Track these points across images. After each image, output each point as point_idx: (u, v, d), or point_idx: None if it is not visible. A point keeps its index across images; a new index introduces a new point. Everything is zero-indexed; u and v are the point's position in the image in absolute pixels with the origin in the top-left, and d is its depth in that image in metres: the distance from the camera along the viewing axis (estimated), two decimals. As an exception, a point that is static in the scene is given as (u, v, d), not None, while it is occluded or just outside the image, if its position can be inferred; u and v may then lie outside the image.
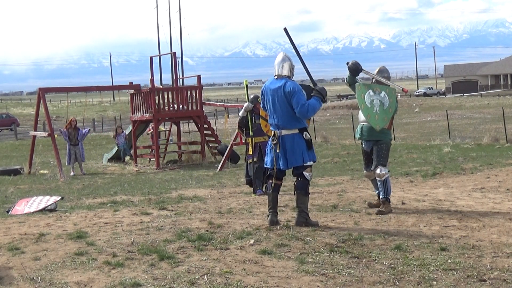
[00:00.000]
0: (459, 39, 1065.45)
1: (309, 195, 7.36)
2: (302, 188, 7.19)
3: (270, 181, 7.33)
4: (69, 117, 20.35)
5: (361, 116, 8.44)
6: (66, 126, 18.99)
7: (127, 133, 22.05)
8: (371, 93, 8.28)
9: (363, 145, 8.54)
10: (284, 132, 7.19)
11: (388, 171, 8.33)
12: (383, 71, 8.52)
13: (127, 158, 21.85)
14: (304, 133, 7.20)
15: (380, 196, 8.25)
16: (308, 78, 7.79)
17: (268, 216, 7.30)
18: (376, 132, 8.25)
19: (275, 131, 7.27)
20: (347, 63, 8.52)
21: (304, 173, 7.18)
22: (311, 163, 7.23)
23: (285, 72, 7.28)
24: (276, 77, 7.32)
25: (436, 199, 8.99)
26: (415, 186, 10.72)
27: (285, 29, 7.76)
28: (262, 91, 7.49)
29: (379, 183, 8.26)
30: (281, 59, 7.36)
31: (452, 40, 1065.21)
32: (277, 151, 7.21)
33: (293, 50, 7.76)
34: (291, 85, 7.14)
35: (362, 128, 8.45)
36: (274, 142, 7.24)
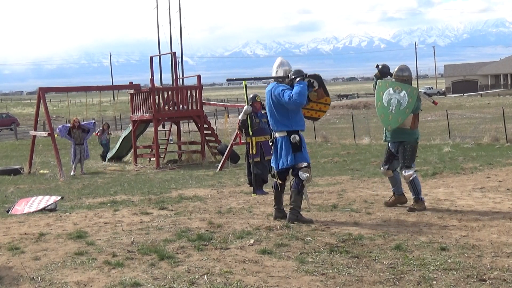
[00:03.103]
0: (459, 39, 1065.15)
1: (303, 194, 7.53)
2: (295, 187, 7.44)
3: (275, 180, 7.68)
4: (70, 117, 20.33)
5: None
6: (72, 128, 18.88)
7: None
8: (391, 91, 8.24)
9: (389, 145, 8.53)
10: (276, 134, 7.53)
11: (415, 171, 8.36)
12: (403, 70, 8.40)
13: (105, 160, 21.84)
14: (292, 135, 7.38)
15: (412, 197, 8.26)
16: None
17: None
18: (401, 133, 8.24)
19: (271, 133, 7.68)
20: (377, 66, 8.50)
21: (299, 172, 7.40)
22: (304, 164, 7.40)
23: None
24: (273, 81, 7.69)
25: (436, 199, 8.99)
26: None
27: (228, 80, 8.83)
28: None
29: (407, 185, 8.28)
30: (278, 65, 7.69)
31: (452, 40, 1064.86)
32: (271, 152, 7.64)
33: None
34: (276, 87, 7.48)
35: (386, 130, 8.45)
36: (271, 143, 7.67)
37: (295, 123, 7.44)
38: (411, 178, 8.19)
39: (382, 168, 8.71)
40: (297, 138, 7.37)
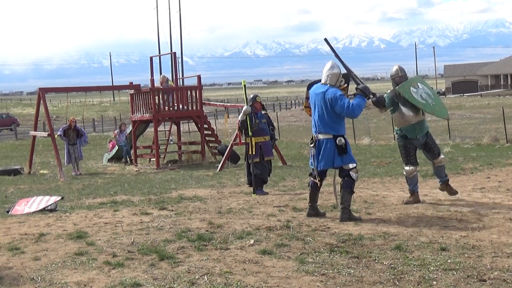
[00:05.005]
0: (459, 39, 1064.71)
1: (353, 193, 7.80)
2: (348, 187, 7.65)
3: (311, 179, 7.91)
4: (69, 117, 20.30)
5: (409, 115, 8.58)
6: (68, 129, 18.94)
7: (127, 132, 22.02)
8: (413, 89, 8.56)
9: (414, 142, 8.76)
10: (320, 136, 7.70)
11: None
12: (401, 69, 8.82)
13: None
14: (338, 138, 7.62)
15: (441, 180, 8.84)
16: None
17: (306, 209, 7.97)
18: (426, 124, 8.73)
19: (313, 135, 7.80)
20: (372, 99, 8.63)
21: (350, 173, 7.65)
22: (353, 165, 7.68)
23: (330, 81, 7.77)
24: (322, 83, 7.86)
25: (436, 199, 9.00)
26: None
27: (326, 40, 8.50)
28: (309, 93, 8.07)
29: (439, 169, 8.87)
30: (329, 68, 7.86)
31: (452, 40, 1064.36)
32: (314, 153, 7.77)
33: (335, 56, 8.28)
34: (333, 92, 7.64)
35: (416, 126, 8.67)
36: (312, 145, 7.80)
37: (342, 127, 7.73)
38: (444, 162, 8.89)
39: (410, 167, 8.80)
40: (343, 141, 7.63)
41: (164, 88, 20.26)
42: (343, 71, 7.95)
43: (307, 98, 8.37)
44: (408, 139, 8.77)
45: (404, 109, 8.56)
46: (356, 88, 7.77)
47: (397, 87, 8.56)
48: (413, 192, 8.76)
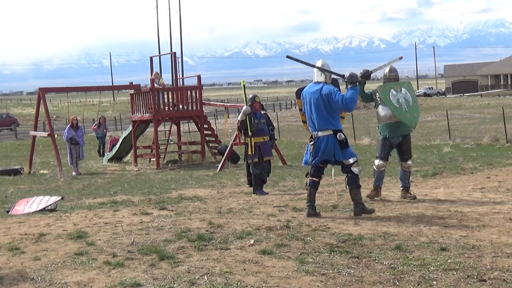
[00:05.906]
0: (459, 39, 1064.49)
1: (360, 187, 7.92)
2: (353, 183, 7.80)
3: (310, 177, 7.95)
4: (70, 118, 20.28)
5: (384, 114, 8.85)
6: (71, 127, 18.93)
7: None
8: (394, 92, 8.74)
9: (391, 139, 8.94)
10: (320, 133, 7.78)
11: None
12: (393, 70, 9.06)
13: (103, 155, 21.74)
14: (338, 134, 7.74)
15: (403, 186, 9.04)
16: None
17: (306, 209, 7.93)
18: (406, 126, 8.80)
19: (312, 133, 7.89)
20: (360, 75, 8.61)
21: (352, 168, 7.76)
22: (353, 159, 7.80)
23: (322, 79, 7.90)
24: (314, 82, 7.97)
25: (436, 199, 9.01)
26: (415, 186, 10.72)
27: (288, 57, 8.46)
28: (301, 95, 8.17)
29: (407, 174, 9.10)
30: (320, 66, 7.93)
31: (452, 40, 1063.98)
32: (311, 151, 7.84)
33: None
34: (328, 88, 7.77)
35: (390, 126, 8.86)
36: (311, 142, 7.87)
37: (339, 122, 7.88)
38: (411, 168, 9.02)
39: (380, 161, 9.05)
40: (343, 136, 7.76)
41: (160, 88, 20.24)
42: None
43: (301, 109, 8.43)
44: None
45: (382, 107, 8.87)
46: (345, 81, 7.86)
47: (378, 86, 8.85)
48: (376, 187, 9.07)
